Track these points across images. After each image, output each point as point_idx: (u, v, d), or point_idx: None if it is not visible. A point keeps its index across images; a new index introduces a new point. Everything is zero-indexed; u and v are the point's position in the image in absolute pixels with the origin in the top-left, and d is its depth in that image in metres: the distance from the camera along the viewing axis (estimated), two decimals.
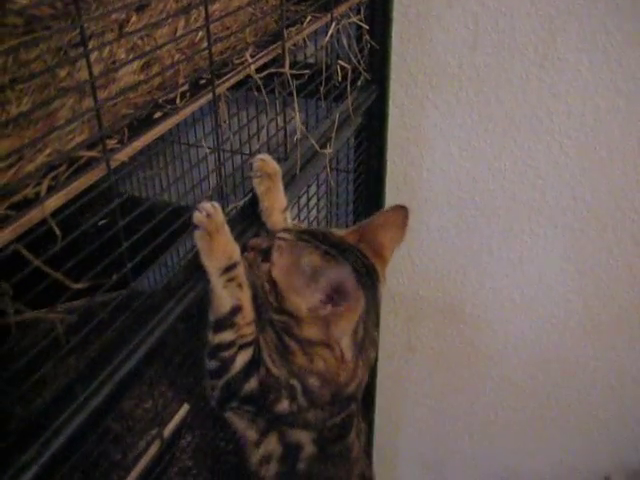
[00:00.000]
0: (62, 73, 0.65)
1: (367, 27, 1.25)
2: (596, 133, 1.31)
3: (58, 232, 0.61)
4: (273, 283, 0.85)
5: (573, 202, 1.38)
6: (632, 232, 1.37)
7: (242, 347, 0.84)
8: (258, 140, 1.12)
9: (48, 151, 0.65)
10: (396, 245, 0.94)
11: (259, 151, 1.02)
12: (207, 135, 1.19)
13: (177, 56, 0.83)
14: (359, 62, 1.29)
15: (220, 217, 0.82)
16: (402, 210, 0.93)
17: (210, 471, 1.25)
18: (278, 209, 0.94)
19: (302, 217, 1.33)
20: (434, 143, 1.42)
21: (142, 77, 0.77)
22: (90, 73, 0.64)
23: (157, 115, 0.78)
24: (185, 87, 0.83)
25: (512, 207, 1.43)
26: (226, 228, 0.82)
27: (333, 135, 1.13)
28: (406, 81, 1.38)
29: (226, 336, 0.83)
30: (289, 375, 0.85)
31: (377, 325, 0.93)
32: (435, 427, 1.80)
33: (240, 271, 0.83)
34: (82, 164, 0.68)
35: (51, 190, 0.64)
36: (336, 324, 0.83)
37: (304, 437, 0.90)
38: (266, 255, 0.87)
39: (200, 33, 0.87)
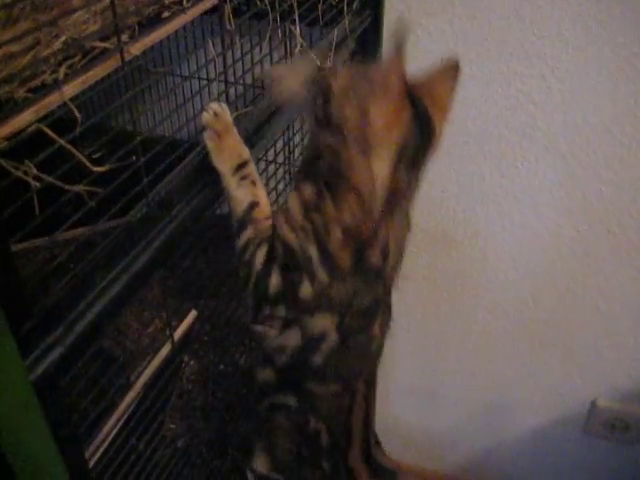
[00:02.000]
0: None
1: None
2: (587, 57, 1.33)
3: (78, 115, 0.62)
4: (329, 89, 0.83)
5: (564, 127, 1.40)
6: (621, 155, 1.39)
7: (259, 245, 0.85)
8: (261, 69, 1.12)
9: (63, 38, 0.65)
10: (453, 97, 0.91)
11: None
12: (208, 64, 1.19)
13: None
14: None
15: (228, 117, 0.83)
16: (454, 65, 0.93)
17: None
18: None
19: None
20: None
21: None
22: None
23: (165, 15, 0.79)
24: None
25: (504, 133, 1.45)
26: (234, 128, 0.84)
27: (331, 55, 1.14)
28: (400, 7, 1.38)
29: (247, 234, 0.85)
30: (308, 240, 0.83)
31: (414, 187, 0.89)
32: (426, 356, 1.84)
33: (252, 168, 0.85)
34: (96, 54, 0.68)
35: (68, 77, 0.65)
36: (376, 112, 0.80)
37: (328, 323, 0.87)
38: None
39: None
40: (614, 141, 1.38)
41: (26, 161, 0.53)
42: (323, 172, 0.85)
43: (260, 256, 0.85)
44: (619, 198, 1.44)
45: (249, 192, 0.84)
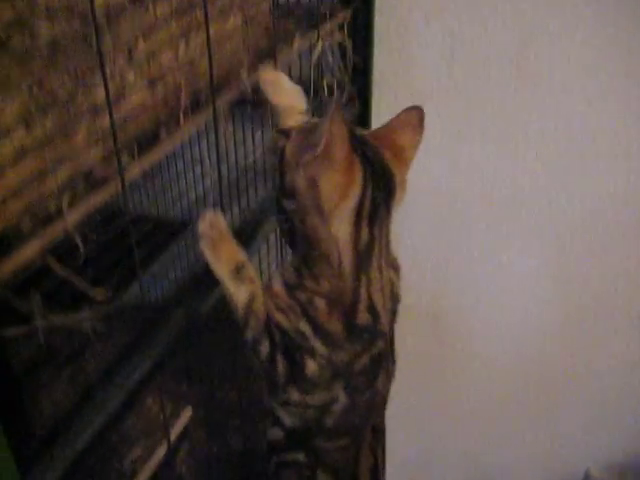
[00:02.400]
0: (80, 96, 0.69)
1: (350, 44, 1.31)
2: (570, 142, 1.38)
3: (82, 247, 0.66)
4: (282, 158, 0.83)
5: (548, 207, 1.45)
6: (602, 238, 1.44)
7: (261, 337, 0.86)
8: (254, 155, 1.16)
9: (67, 170, 0.69)
10: (416, 146, 0.89)
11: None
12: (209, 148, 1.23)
13: (180, 77, 0.88)
14: (344, 78, 1.35)
15: (223, 225, 0.86)
16: (417, 110, 0.90)
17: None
18: (298, 109, 0.93)
19: None
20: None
21: (149, 96, 0.81)
22: (107, 96, 0.69)
23: (163, 133, 0.83)
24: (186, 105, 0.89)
25: (490, 212, 1.49)
26: (229, 234, 0.86)
27: None
28: (387, 95, 1.44)
29: (250, 328, 0.85)
30: (297, 317, 0.84)
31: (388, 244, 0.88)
32: (418, 427, 1.85)
33: (249, 269, 0.86)
34: (97, 180, 0.72)
35: (71, 206, 0.69)
36: (324, 181, 0.78)
37: (337, 387, 0.87)
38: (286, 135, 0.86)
39: (198, 50, 0.91)
40: (596, 223, 1.43)
41: (33, 299, 0.55)
42: (299, 248, 0.86)
43: (264, 348, 0.86)
44: (600, 276, 1.48)
45: (247, 290, 0.85)
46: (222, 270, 0.85)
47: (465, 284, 1.59)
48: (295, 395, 0.87)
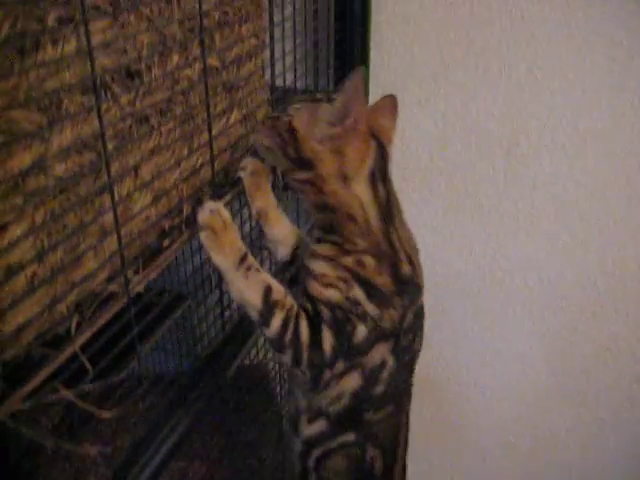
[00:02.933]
0: (88, 219, 0.73)
1: None
2: (558, 220, 1.42)
3: (90, 367, 0.68)
4: (292, 132, 0.89)
5: (539, 283, 1.49)
6: (593, 310, 1.48)
7: (297, 319, 0.85)
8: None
9: (76, 294, 0.72)
10: (394, 128, 0.98)
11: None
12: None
13: (182, 186, 0.91)
14: None
15: (225, 212, 0.86)
16: (391, 97, 0.99)
17: None
18: (272, 206, 1.01)
19: None
20: None
21: (153, 211, 0.85)
22: (116, 222, 0.72)
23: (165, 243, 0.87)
24: (189, 211, 0.92)
25: (483, 287, 1.53)
26: (233, 223, 0.86)
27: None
28: None
29: (278, 317, 0.84)
30: (349, 288, 0.86)
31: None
32: None
33: (251, 258, 0.86)
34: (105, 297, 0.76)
35: (79, 328, 0.72)
36: (350, 149, 0.87)
37: (385, 351, 0.89)
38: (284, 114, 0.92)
39: (200, 159, 0.96)
40: (587, 297, 1.46)
41: (44, 431, 0.58)
42: (324, 222, 0.90)
43: (304, 329, 0.85)
44: (593, 346, 1.51)
45: (259, 280, 0.84)
46: (227, 261, 0.84)
47: (459, 356, 1.62)
48: (341, 366, 0.87)
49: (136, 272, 0.80)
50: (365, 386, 0.90)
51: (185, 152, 0.91)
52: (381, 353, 0.89)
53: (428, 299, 1.40)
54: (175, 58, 0.85)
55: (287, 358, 0.87)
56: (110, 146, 0.75)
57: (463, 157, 1.43)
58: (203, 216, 0.84)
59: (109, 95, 0.73)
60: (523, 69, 1.34)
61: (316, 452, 0.96)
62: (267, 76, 1.16)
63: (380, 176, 0.90)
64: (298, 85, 1.33)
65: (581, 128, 1.35)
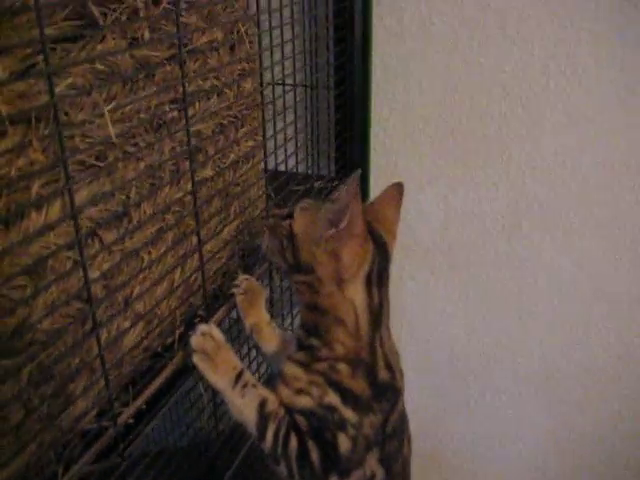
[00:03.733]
0: (76, 363, 0.75)
1: None
2: (561, 302, 1.42)
3: None
4: (291, 237, 0.90)
5: (544, 364, 1.48)
6: (599, 389, 1.46)
7: (287, 432, 0.84)
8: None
9: (64, 435, 0.74)
10: (399, 219, 0.99)
11: None
12: None
13: (174, 304, 0.93)
14: None
15: (218, 334, 0.86)
16: (397, 186, 1.01)
17: None
18: (265, 322, 1.02)
19: None
20: (413, 312, 1.52)
21: (144, 334, 0.87)
22: (103, 365, 0.74)
23: (158, 365, 0.88)
24: (181, 329, 0.94)
25: (487, 366, 1.52)
26: (226, 343, 0.87)
27: None
28: None
29: (270, 430, 0.84)
30: (322, 393, 0.84)
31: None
32: None
33: (247, 373, 0.86)
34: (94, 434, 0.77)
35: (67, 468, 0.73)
36: (347, 253, 0.86)
37: (372, 464, 0.87)
38: (288, 217, 0.92)
39: (194, 280, 0.97)
40: (592, 377, 1.45)
41: None
42: (311, 322, 0.89)
43: (292, 440, 0.84)
44: (596, 427, 1.50)
45: (255, 396, 0.84)
46: (222, 381, 0.84)
47: (465, 432, 1.61)
48: None
49: (125, 404, 0.82)
50: None
51: (177, 276, 0.92)
52: (369, 465, 0.87)
53: (432, 379, 1.40)
54: (166, 190, 0.87)
55: (282, 469, 0.85)
56: (98, 288, 0.77)
57: (464, 239, 1.43)
58: (195, 340, 0.85)
59: (96, 241, 0.76)
60: (524, 154, 1.34)
61: None
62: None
63: (376, 280, 0.89)
64: (299, 169, 1.35)
65: (582, 212, 1.34)
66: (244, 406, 0.84)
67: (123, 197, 0.79)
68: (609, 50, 1.21)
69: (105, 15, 0.78)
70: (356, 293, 0.88)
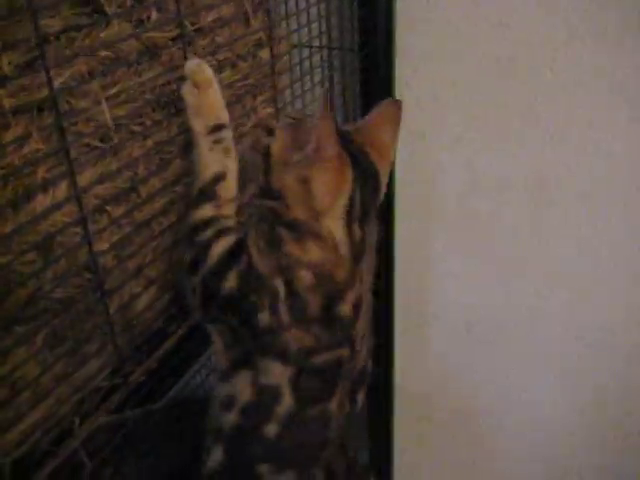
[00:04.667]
0: (89, 324, 0.83)
1: None
2: (588, 274, 1.41)
3: (88, 463, 0.79)
4: (267, 156, 0.81)
5: (565, 331, 1.48)
6: (621, 374, 1.47)
7: (220, 233, 0.79)
8: None
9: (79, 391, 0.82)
10: (396, 142, 0.89)
11: None
12: None
13: None
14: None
15: (209, 72, 0.79)
16: (394, 103, 0.90)
17: None
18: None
19: None
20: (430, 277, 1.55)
21: (156, 298, 0.94)
22: (112, 330, 0.81)
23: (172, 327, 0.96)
24: None
25: (499, 337, 1.55)
26: (216, 86, 0.79)
27: None
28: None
29: (205, 212, 0.79)
30: (274, 272, 0.77)
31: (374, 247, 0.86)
32: None
33: (228, 135, 0.80)
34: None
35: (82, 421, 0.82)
36: (316, 181, 0.77)
37: (280, 374, 0.79)
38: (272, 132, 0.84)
39: None
40: (615, 356, 1.45)
41: None
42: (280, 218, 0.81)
43: (219, 249, 0.78)
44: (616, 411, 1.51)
45: (219, 159, 0.79)
46: (199, 123, 0.79)
47: (497, 391, 1.64)
48: (233, 320, 0.79)
49: (139, 363, 0.89)
50: (256, 410, 0.81)
51: None
52: (276, 373, 0.79)
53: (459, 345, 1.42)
54: (176, 163, 0.91)
55: (187, 259, 0.81)
56: (109, 259, 0.83)
57: (488, 204, 1.44)
58: (189, 66, 0.78)
59: (105, 216, 0.82)
60: (554, 122, 1.32)
61: None
62: None
63: (359, 215, 0.81)
64: None
65: (610, 187, 1.32)
66: (203, 161, 0.79)
67: (131, 174, 0.85)
68: None
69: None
70: (333, 229, 0.79)
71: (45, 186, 0.73)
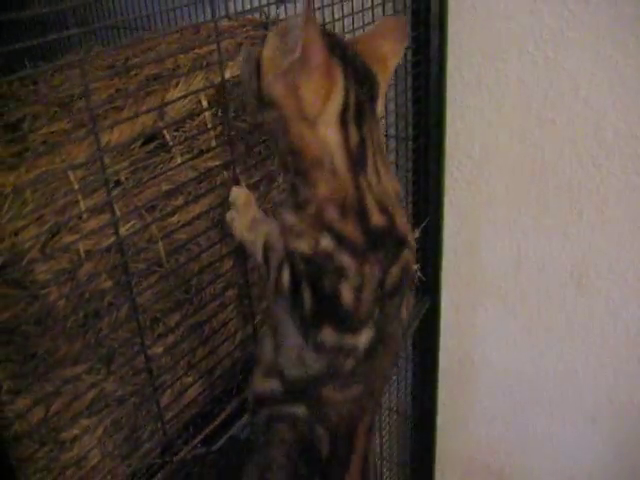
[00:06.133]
0: (143, 413, 0.98)
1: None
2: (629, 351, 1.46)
3: None
4: (258, 64, 0.81)
5: (609, 404, 1.53)
6: None
7: (282, 263, 0.83)
8: None
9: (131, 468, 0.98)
10: (398, 56, 0.88)
11: None
12: None
13: (235, 355, 1.13)
14: (416, 271, 1.53)
15: (247, 195, 0.95)
16: (395, 18, 0.92)
17: None
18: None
19: None
20: (485, 340, 1.63)
21: (205, 386, 1.08)
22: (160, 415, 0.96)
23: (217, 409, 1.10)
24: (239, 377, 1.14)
25: (554, 398, 1.60)
26: (254, 205, 0.95)
27: None
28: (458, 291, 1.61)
29: (270, 259, 0.86)
30: (315, 233, 0.79)
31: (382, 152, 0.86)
32: None
33: (262, 221, 0.92)
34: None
35: None
36: (305, 87, 0.77)
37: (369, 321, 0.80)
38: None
39: None
40: None
41: None
42: (288, 163, 0.83)
43: (285, 276, 0.81)
44: None
45: (262, 231, 0.89)
46: (241, 226, 0.92)
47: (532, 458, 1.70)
48: (328, 334, 0.79)
49: (185, 442, 1.04)
50: (337, 360, 0.81)
51: (237, 339, 1.12)
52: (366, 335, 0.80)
53: (503, 402, 1.51)
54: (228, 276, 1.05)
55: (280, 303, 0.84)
56: (163, 359, 0.98)
57: (535, 283, 1.50)
58: (233, 193, 0.94)
59: (161, 325, 0.97)
60: (593, 210, 1.38)
61: (265, 412, 0.88)
62: None
63: (354, 116, 0.80)
64: None
65: None
66: (253, 240, 0.89)
67: (184, 287, 0.99)
68: None
69: (175, 136, 0.97)
70: (328, 132, 0.79)
71: (110, 310, 0.88)
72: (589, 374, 1.54)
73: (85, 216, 0.84)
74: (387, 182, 0.84)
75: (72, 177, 0.84)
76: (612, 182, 1.34)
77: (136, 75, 1.03)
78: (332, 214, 0.79)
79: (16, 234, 0.81)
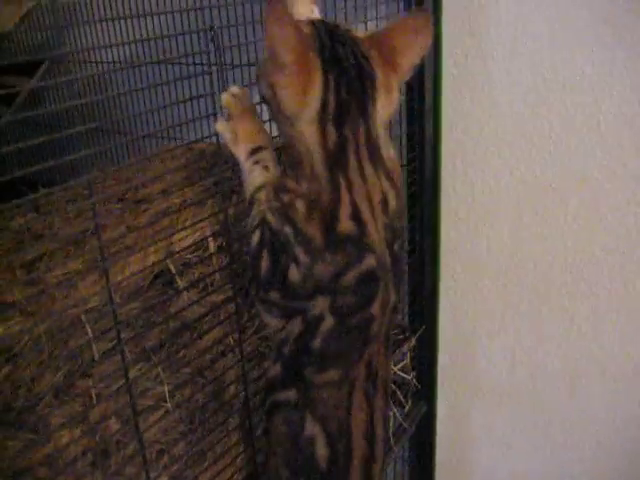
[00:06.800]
0: None
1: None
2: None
3: None
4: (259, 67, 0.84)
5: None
6: None
7: (258, 224, 0.85)
8: None
9: None
10: (415, 51, 0.84)
11: None
12: None
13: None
14: (412, 378, 1.56)
15: (246, 100, 0.89)
16: (423, 14, 0.87)
17: None
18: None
19: None
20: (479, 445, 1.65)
21: None
22: None
23: None
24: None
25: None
26: (253, 112, 0.89)
27: None
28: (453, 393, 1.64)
29: (252, 213, 0.86)
30: (281, 220, 0.82)
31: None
32: None
33: (266, 156, 0.88)
34: None
35: None
36: (279, 86, 0.78)
37: (322, 304, 0.82)
38: None
39: None
40: None
41: None
42: (287, 159, 0.85)
43: (255, 238, 0.85)
44: None
45: (259, 175, 0.87)
46: (239, 150, 0.88)
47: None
48: (275, 296, 0.85)
49: None
50: (304, 334, 0.84)
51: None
52: (320, 307, 0.82)
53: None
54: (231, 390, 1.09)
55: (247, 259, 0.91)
56: None
57: (530, 387, 1.54)
58: (224, 98, 0.88)
59: (166, 456, 1.00)
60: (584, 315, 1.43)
61: (270, 399, 0.90)
62: None
63: (335, 115, 0.79)
64: None
65: None
66: (248, 180, 0.88)
67: (188, 419, 1.03)
68: None
69: (182, 274, 1.03)
70: (305, 129, 0.79)
71: (118, 447, 0.91)
72: (585, 477, 1.56)
73: (97, 359, 0.88)
74: (375, 184, 0.82)
75: (85, 321, 0.89)
76: (601, 293, 1.39)
77: (145, 211, 1.10)
78: (299, 210, 0.80)
79: (32, 380, 0.86)
